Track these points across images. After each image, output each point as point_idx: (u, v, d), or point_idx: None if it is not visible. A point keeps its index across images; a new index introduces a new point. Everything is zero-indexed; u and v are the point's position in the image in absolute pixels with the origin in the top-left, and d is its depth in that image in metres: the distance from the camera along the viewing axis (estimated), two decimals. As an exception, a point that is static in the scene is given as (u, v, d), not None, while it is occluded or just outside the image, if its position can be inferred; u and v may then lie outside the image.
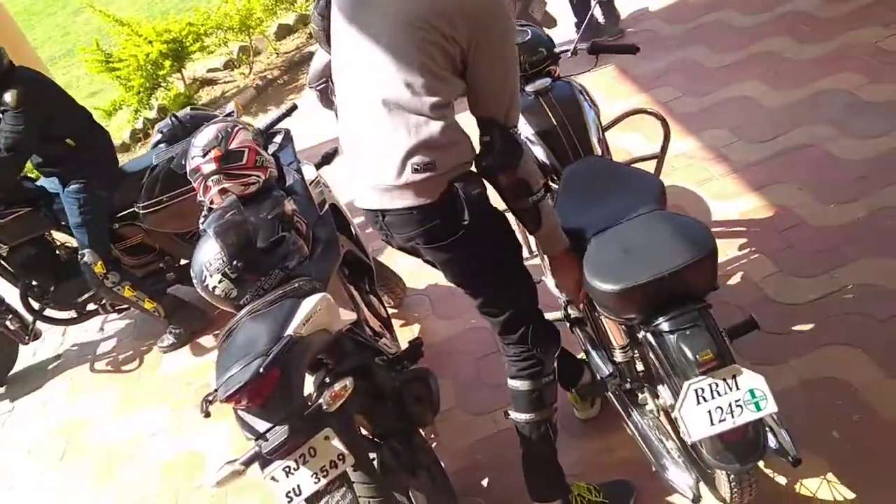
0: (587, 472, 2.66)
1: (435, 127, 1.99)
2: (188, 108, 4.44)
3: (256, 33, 7.04)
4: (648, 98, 4.48)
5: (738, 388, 1.95)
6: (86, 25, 10.38)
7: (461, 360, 3.38)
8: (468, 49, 1.95)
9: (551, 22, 4.55)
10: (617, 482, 2.58)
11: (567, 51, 2.97)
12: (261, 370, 1.93)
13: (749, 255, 3.25)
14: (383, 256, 3.87)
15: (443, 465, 2.66)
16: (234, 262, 2.28)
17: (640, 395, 2.46)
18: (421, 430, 2.63)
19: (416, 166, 2.01)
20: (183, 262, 4.31)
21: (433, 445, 2.90)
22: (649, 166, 3.04)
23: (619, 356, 2.43)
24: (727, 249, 3.31)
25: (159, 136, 4.14)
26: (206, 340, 4.21)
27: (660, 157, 3.08)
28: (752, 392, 1.95)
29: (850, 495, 2.30)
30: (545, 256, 2.30)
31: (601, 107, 3.00)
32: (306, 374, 2.24)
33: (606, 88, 4.68)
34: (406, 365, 2.71)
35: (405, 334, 3.56)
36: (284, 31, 7.42)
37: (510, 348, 2.35)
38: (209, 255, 2.32)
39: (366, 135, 2.11)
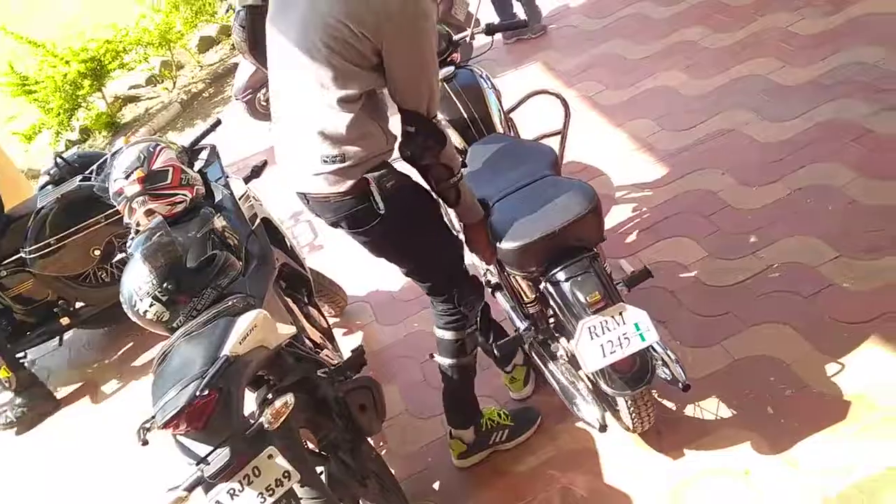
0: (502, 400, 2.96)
1: (341, 120, 2.08)
2: (75, 148, 4.39)
3: (178, 47, 6.92)
4: (574, 92, 4.55)
5: (624, 324, 2.23)
6: (-2, 47, 10.03)
7: (406, 364, 3.38)
8: (380, 43, 2.00)
9: (475, 22, 4.58)
10: (524, 409, 2.90)
11: (465, 37, 3.06)
12: (197, 393, 1.90)
13: (678, 241, 3.32)
14: (322, 266, 3.84)
15: (393, 472, 2.66)
16: (165, 285, 2.24)
17: (552, 344, 2.73)
18: (369, 439, 2.62)
19: (325, 158, 2.14)
20: (79, 305, 4.21)
21: (382, 453, 2.90)
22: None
23: (529, 309, 2.70)
24: (656, 236, 3.39)
25: (46, 178, 4.07)
26: (141, 359, 4.12)
27: (563, 133, 3.17)
28: (636, 325, 2.22)
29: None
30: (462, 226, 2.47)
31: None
32: (248, 392, 2.21)
33: (532, 84, 4.72)
34: (349, 375, 2.69)
35: (348, 343, 3.55)
36: (207, 44, 7.31)
37: (438, 305, 2.55)
38: (138, 280, 2.27)
39: (290, 125, 2.24)
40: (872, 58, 3.79)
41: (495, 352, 2.75)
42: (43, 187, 4.01)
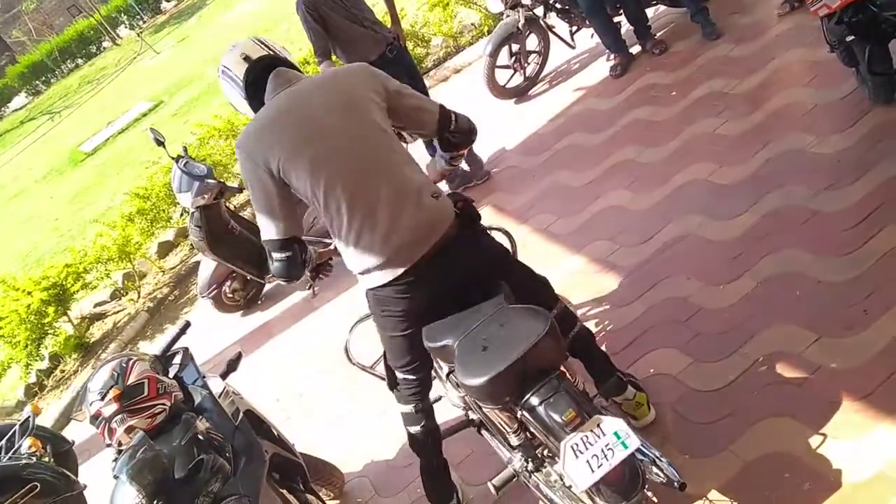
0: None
1: (416, 165, 2.64)
2: None
3: (138, 257, 7.00)
4: (527, 227, 4.67)
5: (604, 434, 2.23)
6: (-41, 290, 10.06)
7: (417, 534, 3.25)
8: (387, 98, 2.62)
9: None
10: None
11: None
12: None
13: (661, 353, 3.33)
14: (313, 448, 3.75)
15: None
16: (155, 502, 2.16)
17: (544, 470, 2.72)
18: None
19: (433, 194, 2.59)
20: None
21: None
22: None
23: (514, 440, 2.71)
24: (638, 351, 3.39)
25: None
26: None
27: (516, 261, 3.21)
28: (616, 434, 2.23)
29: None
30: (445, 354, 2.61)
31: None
32: None
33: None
34: (361, 559, 2.58)
35: (354, 524, 3.41)
36: (166, 248, 7.42)
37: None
38: (126, 502, 2.19)
39: (387, 209, 2.50)
40: (801, 144, 3.97)
41: (493, 490, 2.79)
42: None
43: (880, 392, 2.63)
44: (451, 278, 2.62)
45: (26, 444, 3.87)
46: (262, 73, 2.65)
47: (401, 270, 2.52)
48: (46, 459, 3.94)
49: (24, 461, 3.76)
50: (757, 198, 3.82)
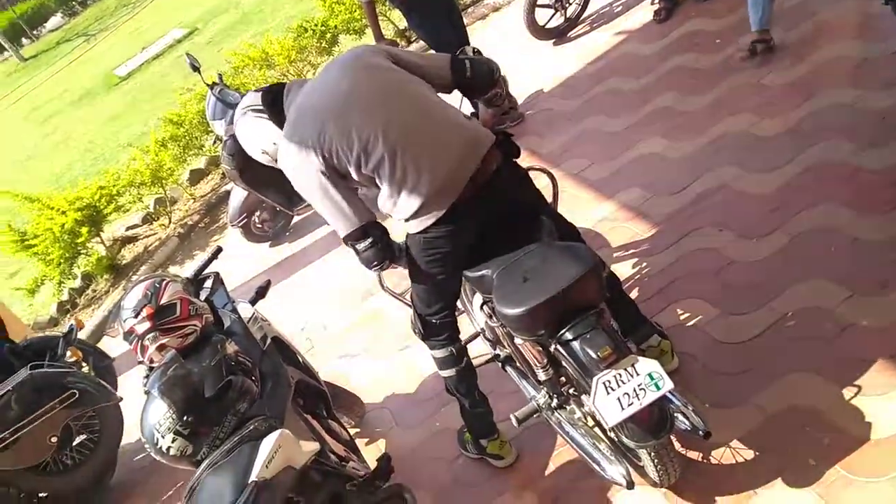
0: (531, 487, 2.98)
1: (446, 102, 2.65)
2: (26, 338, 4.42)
3: (170, 183, 7.05)
4: (560, 171, 4.62)
5: (638, 375, 2.26)
6: (-6, 208, 10.24)
7: (434, 466, 3.31)
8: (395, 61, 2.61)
9: None
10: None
11: None
12: (231, 525, 1.85)
13: (689, 303, 3.31)
14: (336, 377, 3.81)
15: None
16: (185, 418, 2.22)
17: (568, 408, 2.76)
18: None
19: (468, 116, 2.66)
20: (42, 495, 4.08)
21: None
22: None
23: (542, 375, 2.71)
24: (666, 300, 3.38)
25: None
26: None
27: (553, 207, 3.19)
28: (650, 375, 2.26)
29: None
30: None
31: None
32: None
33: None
34: (379, 485, 2.64)
35: (372, 452, 3.48)
36: (197, 176, 7.45)
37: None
38: (157, 416, 2.25)
39: (431, 148, 2.50)
40: (847, 98, 3.87)
41: (515, 423, 2.81)
42: None
43: (909, 353, 2.61)
44: (496, 212, 2.62)
45: (68, 355, 4.01)
46: (277, 94, 2.69)
47: (449, 203, 2.51)
48: (87, 370, 4.08)
49: (65, 369, 3.89)
50: (797, 151, 3.74)
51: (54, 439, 3.84)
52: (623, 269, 3.69)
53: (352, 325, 4.49)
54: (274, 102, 2.67)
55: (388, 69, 2.56)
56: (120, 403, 4.12)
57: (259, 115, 2.80)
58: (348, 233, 2.56)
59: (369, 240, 2.56)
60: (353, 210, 2.54)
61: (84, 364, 4.13)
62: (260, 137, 2.83)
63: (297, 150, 2.51)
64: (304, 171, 2.52)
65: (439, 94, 2.65)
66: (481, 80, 2.76)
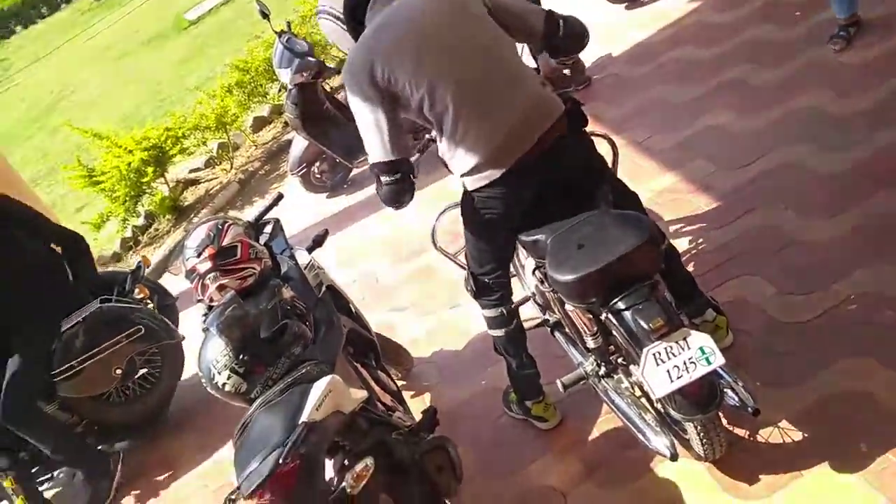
0: (573, 451, 3.00)
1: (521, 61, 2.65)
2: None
3: (233, 129, 7.15)
4: (623, 139, 4.55)
5: (689, 348, 2.24)
6: (64, 143, 10.53)
7: (477, 424, 3.35)
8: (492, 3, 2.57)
9: None
10: None
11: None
12: (280, 461, 1.91)
13: (747, 279, 3.26)
14: (385, 329, 3.87)
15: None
16: (241, 356, 2.29)
17: (616, 377, 2.75)
18: (447, 501, 2.59)
19: (542, 82, 2.61)
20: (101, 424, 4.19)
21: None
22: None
23: (591, 343, 2.70)
24: (723, 276, 3.33)
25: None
26: (220, 439, 4.15)
27: (613, 175, 3.16)
28: (701, 349, 2.23)
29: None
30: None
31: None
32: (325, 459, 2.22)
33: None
34: (423, 436, 2.69)
35: (417, 405, 3.53)
36: (260, 124, 7.54)
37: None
38: (215, 353, 2.32)
39: (499, 102, 2.49)
40: (928, 81, 3.72)
41: (561, 388, 2.82)
42: None
43: (974, 346, 2.54)
44: (555, 180, 2.61)
45: (135, 291, 4.14)
46: (360, 2, 2.62)
47: (510, 163, 2.50)
48: (152, 307, 4.22)
49: (133, 305, 4.03)
50: (871, 133, 3.61)
51: (119, 371, 3.99)
52: (681, 243, 3.64)
53: (404, 280, 4.54)
54: (355, 7, 2.62)
55: (481, 20, 2.53)
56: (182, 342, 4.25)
57: (333, 20, 2.74)
58: (378, 161, 2.57)
59: (396, 176, 2.57)
60: (392, 143, 2.53)
61: (149, 301, 4.26)
62: (340, 39, 2.80)
63: (361, 65, 2.50)
64: (356, 85, 2.52)
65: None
66: (572, 40, 2.74)
